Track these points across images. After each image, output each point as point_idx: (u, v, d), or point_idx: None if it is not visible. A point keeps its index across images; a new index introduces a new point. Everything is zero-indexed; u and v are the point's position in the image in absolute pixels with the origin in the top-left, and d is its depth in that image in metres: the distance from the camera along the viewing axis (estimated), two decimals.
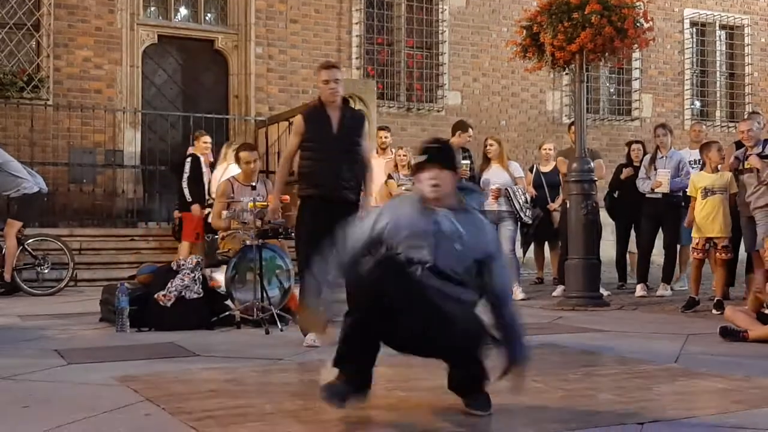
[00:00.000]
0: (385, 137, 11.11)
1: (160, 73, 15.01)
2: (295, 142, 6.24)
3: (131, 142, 14.33)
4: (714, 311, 8.05)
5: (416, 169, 4.01)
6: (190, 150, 13.51)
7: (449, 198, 3.95)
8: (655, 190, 9.72)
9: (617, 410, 3.90)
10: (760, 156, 8.09)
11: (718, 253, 8.31)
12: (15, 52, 13.72)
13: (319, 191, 6.08)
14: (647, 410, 3.89)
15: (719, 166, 8.55)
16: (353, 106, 6.53)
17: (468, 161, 9.77)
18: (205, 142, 11.56)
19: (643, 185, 9.90)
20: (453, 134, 10.15)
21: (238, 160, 8.35)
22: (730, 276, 9.22)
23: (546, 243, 11.52)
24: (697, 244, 8.39)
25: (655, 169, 9.81)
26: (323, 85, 6.15)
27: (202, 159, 11.34)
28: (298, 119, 6.29)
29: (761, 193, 8.10)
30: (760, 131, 8.50)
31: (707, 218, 8.32)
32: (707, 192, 8.35)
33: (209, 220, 9.57)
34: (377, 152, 10.73)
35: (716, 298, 8.28)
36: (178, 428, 3.58)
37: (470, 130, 10.06)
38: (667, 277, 9.98)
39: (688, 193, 8.74)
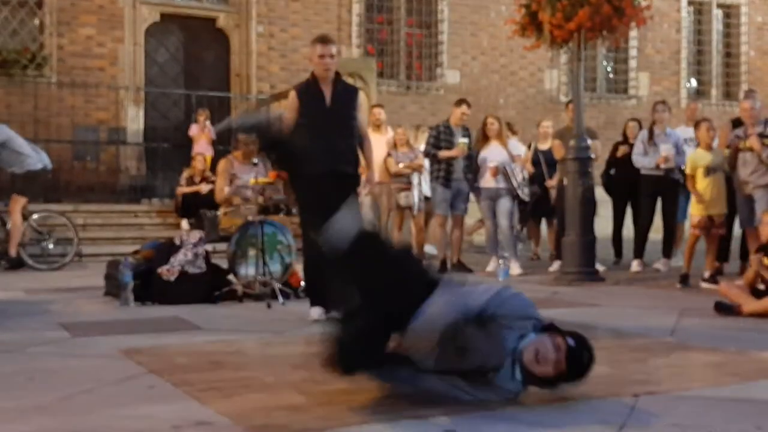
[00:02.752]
0: (379, 114, 11.10)
1: (162, 52, 15.05)
2: (290, 118, 6.20)
3: (134, 120, 14.40)
4: (702, 284, 8.13)
5: None
6: (193, 127, 13.61)
7: None
8: (661, 166, 9.69)
9: (613, 383, 3.93)
10: (761, 135, 8.14)
11: (714, 229, 8.36)
12: (18, 30, 13.77)
13: (317, 167, 6.04)
14: (642, 383, 3.92)
15: (713, 145, 8.59)
16: (346, 80, 6.51)
17: (466, 139, 9.79)
18: None
19: (642, 161, 9.89)
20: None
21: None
22: (724, 252, 9.30)
23: (543, 219, 11.59)
24: (699, 222, 8.37)
25: (655, 145, 9.81)
26: (318, 59, 6.11)
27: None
28: (291, 95, 6.27)
29: (762, 172, 8.15)
30: (761, 110, 8.52)
31: (712, 196, 8.32)
32: (710, 170, 8.35)
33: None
34: (372, 129, 10.73)
35: (706, 273, 8.36)
36: (181, 399, 3.62)
37: (463, 105, 10.01)
38: (668, 251, 10.03)
39: (686, 171, 8.72)
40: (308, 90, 6.20)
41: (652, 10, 9.03)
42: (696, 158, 8.49)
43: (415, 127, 12.33)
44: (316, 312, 6.06)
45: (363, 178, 6.45)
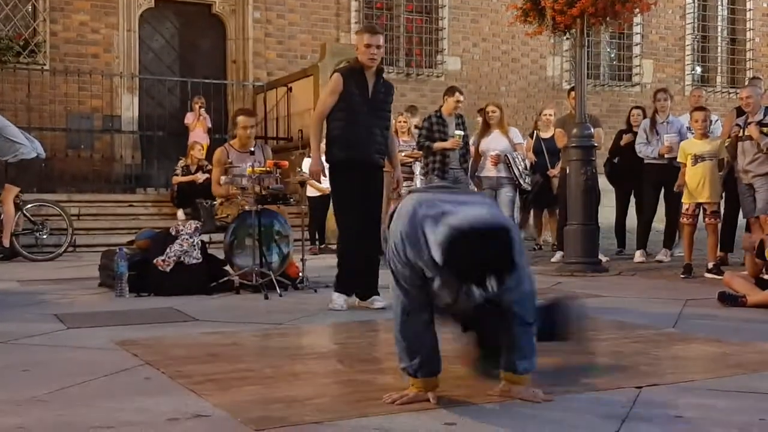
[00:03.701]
0: None
1: (157, 38, 14.96)
2: (331, 101, 6.14)
3: (129, 108, 14.33)
4: (706, 275, 8.11)
5: None
6: (189, 115, 13.52)
7: None
8: (665, 156, 9.63)
9: (615, 374, 3.90)
10: (761, 123, 8.11)
11: (707, 218, 8.38)
12: (11, 16, 13.66)
13: (353, 154, 6.06)
14: (645, 374, 3.88)
15: (715, 133, 8.59)
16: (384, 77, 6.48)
17: (460, 131, 9.57)
18: None
19: (645, 150, 9.82)
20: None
21: (235, 124, 8.27)
22: (728, 242, 9.26)
23: (545, 209, 11.52)
24: (687, 209, 8.45)
25: (658, 134, 9.76)
26: (364, 48, 6.08)
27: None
28: (336, 77, 6.19)
29: (761, 161, 8.13)
30: (761, 98, 8.50)
31: (698, 184, 8.38)
32: (697, 158, 8.39)
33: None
34: None
35: (709, 264, 8.33)
36: (177, 392, 3.58)
37: (456, 94, 9.66)
38: (669, 242, 9.99)
39: (677, 159, 8.78)
40: (353, 76, 6.15)
41: None
42: (685, 146, 8.60)
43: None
44: (340, 300, 6.04)
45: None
